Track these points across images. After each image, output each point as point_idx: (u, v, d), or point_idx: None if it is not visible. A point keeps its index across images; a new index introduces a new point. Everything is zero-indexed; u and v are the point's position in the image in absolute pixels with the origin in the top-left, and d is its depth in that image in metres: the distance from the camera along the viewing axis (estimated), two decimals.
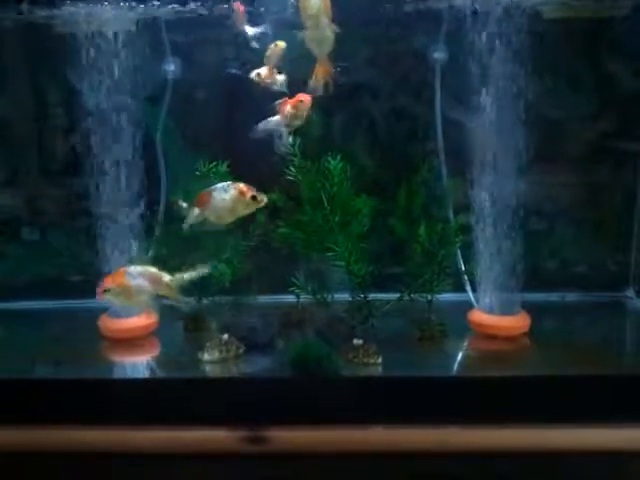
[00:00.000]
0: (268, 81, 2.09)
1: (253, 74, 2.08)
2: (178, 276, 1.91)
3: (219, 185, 1.92)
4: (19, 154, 2.70)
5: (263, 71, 2.09)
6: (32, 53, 2.57)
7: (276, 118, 2.02)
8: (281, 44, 2.04)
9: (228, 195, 1.90)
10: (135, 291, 1.89)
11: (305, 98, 1.97)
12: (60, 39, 2.26)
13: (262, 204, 1.93)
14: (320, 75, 1.98)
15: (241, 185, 1.91)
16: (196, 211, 1.93)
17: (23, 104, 2.65)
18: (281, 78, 2.10)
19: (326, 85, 1.99)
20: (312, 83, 1.99)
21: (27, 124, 2.68)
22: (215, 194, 1.91)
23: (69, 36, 2.21)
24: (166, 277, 1.91)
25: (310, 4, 1.85)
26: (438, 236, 2.21)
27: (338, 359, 2.03)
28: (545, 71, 2.26)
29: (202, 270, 1.96)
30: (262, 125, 2.03)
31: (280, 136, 2.04)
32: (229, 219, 1.95)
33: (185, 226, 1.96)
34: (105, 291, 1.88)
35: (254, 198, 1.90)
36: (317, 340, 2.13)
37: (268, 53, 2.06)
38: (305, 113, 1.99)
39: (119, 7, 2.17)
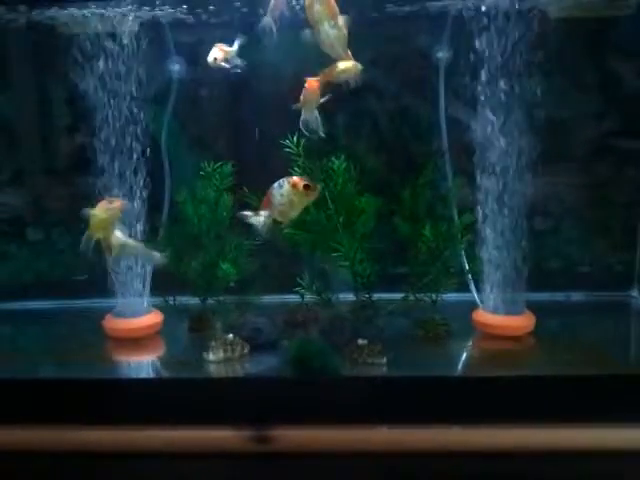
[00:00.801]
0: (224, 64, 2.08)
1: (210, 58, 2.08)
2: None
3: (275, 183, 1.92)
4: (23, 154, 2.71)
5: (219, 55, 2.08)
6: (37, 53, 2.58)
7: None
8: None
9: (284, 190, 1.90)
10: None
11: (310, 84, 1.96)
12: (64, 40, 2.27)
13: (317, 191, 1.92)
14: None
15: (293, 178, 1.91)
16: (263, 215, 1.94)
17: (27, 104, 2.66)
18: (238, 61, 2.11)
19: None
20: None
21: (31, 124, 2.68)
22: (274, 192, 1.91)
23: (73, 37, 2.22)
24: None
25: (313, 10, 1.85)
26: (443, 236, 2.21)
27: (337, 358, 2.03)
28: (550, 70, 2.25)
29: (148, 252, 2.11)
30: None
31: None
32: (293, 214, 1.95)
33: (265, 236, 1.96)
34: None
35: (307, 187, 1.89)
36: (316, 339, 2.13)
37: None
38: (314, 97, 1.98)
39: (124, 8, 2.17)
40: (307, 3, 1.85)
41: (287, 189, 1.89)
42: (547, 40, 2.16)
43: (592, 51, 2.49)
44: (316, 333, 2.25)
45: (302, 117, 2.00)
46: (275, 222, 1.94)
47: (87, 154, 2.28)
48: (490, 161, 2.25)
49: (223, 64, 2.10)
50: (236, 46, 2.15)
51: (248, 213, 1.95)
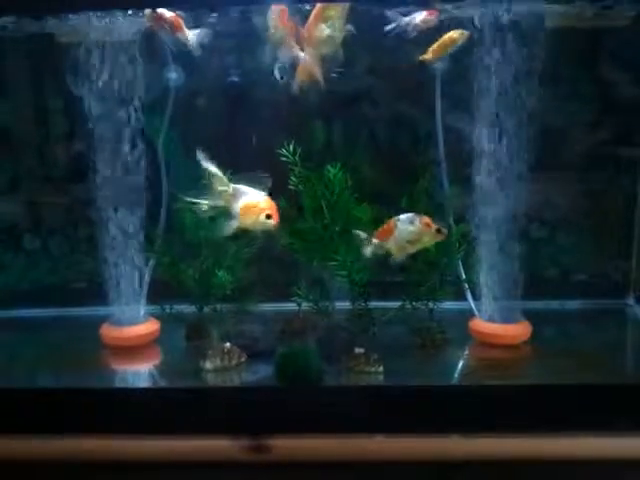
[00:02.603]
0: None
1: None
2: None
3: (402, 217, 1.97)
4: (20, 162, 2.70)
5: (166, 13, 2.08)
6: (33, 61, 2.58)
7: None
8: None
9: (414, 227, 1.94)
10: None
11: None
12: (62, 48, 2.27)
13: (444, 237, 1.98)
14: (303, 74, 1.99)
15: (425, 218, 1.96)
16: (376, 243, 1.98)
17: (24, 112, 2.66)
18: (192, 35, 2.12)
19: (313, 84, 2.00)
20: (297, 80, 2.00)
21: (28, 132, 2.68)
22: (400, 225, 1.95)
23: (70, 45, 2.22)
24: None
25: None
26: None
27: (323, 366, 2.03)
28: (547, 79, 2.26)
29: None
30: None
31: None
32: (410, 251, 1.99)
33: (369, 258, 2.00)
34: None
35: (439, 231, 1.95)
36: (303, 348, 2.13)
37: None
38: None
39: (122, 17, 2.17)
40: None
41: (419, 227, 1.94)
42: (544, 50, 2.18)
43: (589, 61, 2.50)
44: (312, 342, 2.25)
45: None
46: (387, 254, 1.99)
47: (84, 162, 2.27)
48: (486, 169, 2.26)
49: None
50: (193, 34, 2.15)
51: (362, 234, 1.98)
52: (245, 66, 2.43)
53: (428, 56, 2.27)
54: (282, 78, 2.07)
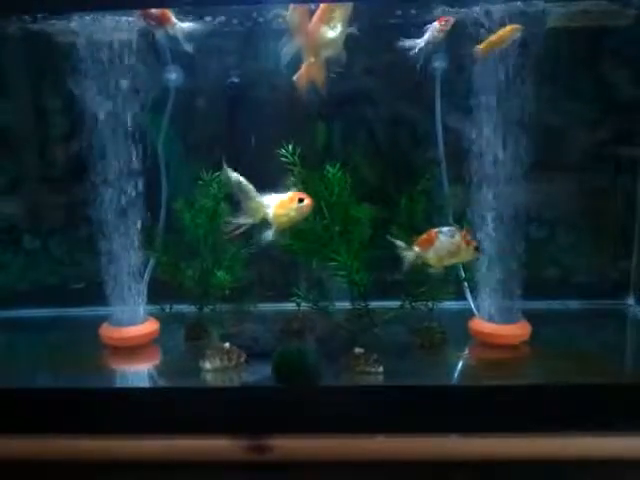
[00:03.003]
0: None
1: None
2: None
3: (444, 229, 2.01)
4: (20, 162, 2.70)
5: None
6: (33, 62, 2.58)
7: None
8: None
9: (455, 241, 2.00)
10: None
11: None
12: (61, 48, 2.27)
13: (479, 255, 2.06)
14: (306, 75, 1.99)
15: (466, 233, 2.03)
16: (415, 251, 2.01)
17: (23, 112, 2.66)
18: (179, 27, 2.10)
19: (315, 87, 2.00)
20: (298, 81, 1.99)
21: (28, 132, 2.68)
22: (441, 237, 1.99)
23: (70, 45, 2.22)
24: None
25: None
26: None
27: (320, 366, 2.03)
28: (547, 79, 2.26)
29: None
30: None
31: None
32: (446, 262, 2.04)
33: (406, 268, 2.03)
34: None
35: (476, 249, 2.02)
36: (299, 348, 2.13)
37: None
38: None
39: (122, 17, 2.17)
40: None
41: (459, 242, 2.00)
42: (544, 49, 2.18)
43: (589, 60, 2.50)
44: (312, 341, 2.26)
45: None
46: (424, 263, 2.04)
47: (83, 162, 2.27)
48: (486, 169, 2.26)
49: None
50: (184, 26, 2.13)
51: (401, 244, 2.01)
52: (248, 65, 2.44)
53: (481, 49, 2.18)
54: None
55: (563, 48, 2.41)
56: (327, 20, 1.93)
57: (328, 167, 2.15)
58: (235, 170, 2.00)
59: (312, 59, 1.95)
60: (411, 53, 2.13)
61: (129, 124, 2.26)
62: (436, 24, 2.15)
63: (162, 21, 2.09)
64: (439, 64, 2.40)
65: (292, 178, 2.13)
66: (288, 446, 1.88)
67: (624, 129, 2.55)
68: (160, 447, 1.91)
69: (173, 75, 2.46)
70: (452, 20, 2.15)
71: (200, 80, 2.49)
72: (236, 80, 2.46)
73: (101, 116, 2.24)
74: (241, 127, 2.53)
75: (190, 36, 2.14)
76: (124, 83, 2.24)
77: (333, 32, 1.94)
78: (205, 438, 1.90)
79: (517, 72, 2.15)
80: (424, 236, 2.02)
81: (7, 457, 1.91)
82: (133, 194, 2.31)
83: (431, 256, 2.02)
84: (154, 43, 2.23)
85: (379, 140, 2.57)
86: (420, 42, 2.14)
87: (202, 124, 2.58)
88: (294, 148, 2.13)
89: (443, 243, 1.99)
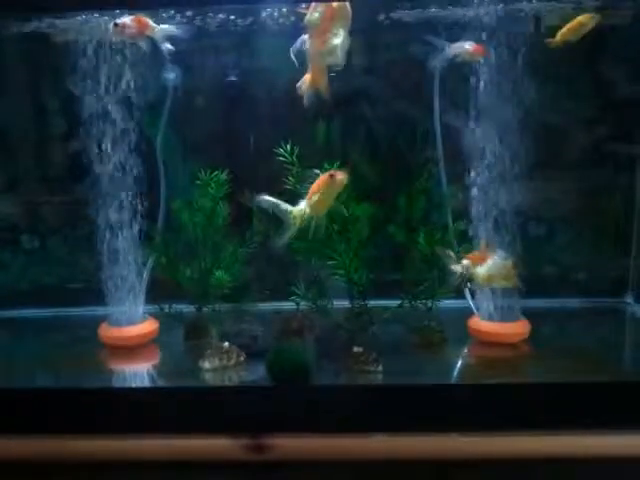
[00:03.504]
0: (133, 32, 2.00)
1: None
2: None
3: (499, 251, 2.06)
4: (18, 162, 2.70)
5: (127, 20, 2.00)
6: (31, 61, 2.58)
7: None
8: None
9: (506, 264, 2.04)
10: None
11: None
12: (59, 48, 2.27)
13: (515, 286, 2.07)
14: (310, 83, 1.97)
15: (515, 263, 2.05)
16: (464, 264, 2.05)
17: (22, 111, 2.66)
18: (158, 29, 2.06)
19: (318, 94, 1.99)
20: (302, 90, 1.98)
21: (27, 132, 2.68)
22: (496, 258, 2.03)
23: (68, 45, 2.22)
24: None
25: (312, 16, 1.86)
26: (438, 243, 2.21)
27: (313, 364, 2.02)
28: (546, 77, 2.26)
29: None
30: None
31: None
32: (490, 283, 2.08)
33: (456, 282, 2.07)
34: None
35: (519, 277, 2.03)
36: (292, 347, 2.13)
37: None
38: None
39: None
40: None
41: (509, 267, 2.04)
42: (544, 47, 2.18)
43: (590, 58, 2.50)
44: (310, 340, 2.25)
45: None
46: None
47: (82, 162, 2.27)
48: (484, 168, 2.26)
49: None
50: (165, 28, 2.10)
51: (451, 255, 2.06)
52: (245, 64, 2.44)
53: (557, 40, 2.19)
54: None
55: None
56: (331, 27, 1.91)
57: (326, 166, 2.15)
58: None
59: (316, 66, 1.93)
60: (435, 65, 2.18)
61: (128, 124, 2.26)
62: (469, 47, 2.16)
63: (140, 30, 2.05)
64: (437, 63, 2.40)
65: (290, 178, 2.12)
66: (287, 445, 1.87)
67: (622, 126, 2.55)
68: (159, 447, 1.91)
69: (171, 75, 2.46)
70: (485, 53, 2.16)
71: (197, 79, 2.49)
72: (234, 79, 2.46)
73: (100, 116, 2.24)
74: (239, 126, 2.52)
75: (181, 37, 2.12)
76: (122, 83, 2.24)
77: (337, 39, 1.91)
78: (204, 438, 1.89)
79: (519, 70, 2.15)
80: (478, 253, 2.05)
81: (5, 457, 1.90)
82: (132, 194, 2.31)
83: (480, 273, 2.03)
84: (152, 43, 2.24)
85: (378, 139, 2.58)
86: (446, 54, 2.18)
87: (199, 123, 2.57)
88: (292, 148, 2.13)
89: (496, 263, 2.00)
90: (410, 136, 2.51)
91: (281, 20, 2.21)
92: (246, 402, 1.97)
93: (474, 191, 2.30)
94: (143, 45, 2.09)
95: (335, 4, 1.86)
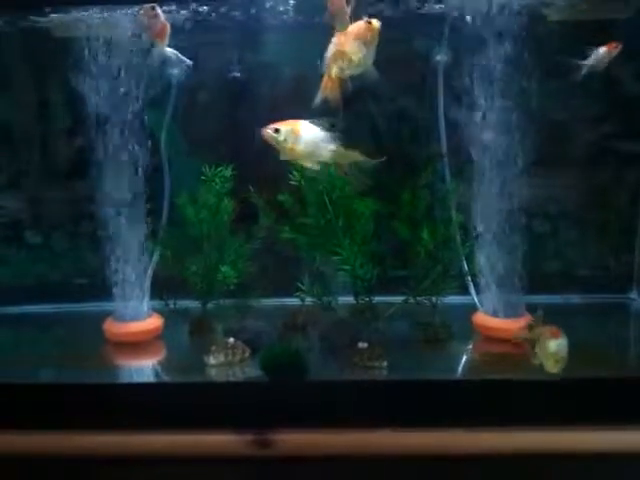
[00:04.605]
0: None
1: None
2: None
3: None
4: (22, 157, 2.71)
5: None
6: (35, 57, 2.58)
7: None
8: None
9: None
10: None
11: None
12: (63, 43, 2.27)
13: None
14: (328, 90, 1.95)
15: None
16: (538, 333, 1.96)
17: (26, 107, 2.66)
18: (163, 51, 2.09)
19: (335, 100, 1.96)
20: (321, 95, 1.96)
21: (30, 127, 2.68)
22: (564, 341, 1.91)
23: (72, 40, 2.22)
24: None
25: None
26: (442, 238, 2.21)
27: (307, 363, 2.02)
28: (548, 73, 2.26)
29: None
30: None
31: None
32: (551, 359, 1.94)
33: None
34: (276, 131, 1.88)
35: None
36: (286, 344, 2.14)
37: None
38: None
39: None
40: None
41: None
42: (545, 42, 2.17)
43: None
44: (316, 336, 2.26)
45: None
46: None
47: (86, 157, 2.28)
48: (488, 163, 2.26)
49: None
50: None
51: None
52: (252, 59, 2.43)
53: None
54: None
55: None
56: (354, 45, 1.88)
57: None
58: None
59: (333, 75, 1.91)
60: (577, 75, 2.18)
61: (133, 120, 2.26)
62: (605, 48, 2.16)
63: (159, 33, 2.08)
64: (441, 58, 2.39)
65: (295, 172, 2.12)
66: (292, 441, 1.87)
67: (628, 124, 2.55)
68: (164, 442, 1.91)
69: (175, 70, 2.46)
70: (620, 46, 2.15)
71: (202, 75, 2.48)
72: (237, 74, 2.46)
73: (105, 112, 2.24)
74: (244, 121, 2.52)
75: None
76: (127, 79, 2.24)
77: (365, 51, 1.88)
78: (209, 433, 1.90)
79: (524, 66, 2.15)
80: (550, 328, 1.96)
81: (11, 453, 1.91)
82: (137, 189, 2.31)
83: (551, 348, 1.91)
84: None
85: (382, 133, 2.57)
86: (588, 62, 2.17)
87: (204, 119, 2.58)
88: None
89: (563, 345, 1.94)
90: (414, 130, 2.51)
91: (285, 16, 2.21)
92: (251, 398, 1.97)
93: (478, 185, 2.30)
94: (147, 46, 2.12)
95: (364, 26, 1.83)
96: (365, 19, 1.82)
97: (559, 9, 2.23)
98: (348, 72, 1.88)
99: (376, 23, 1.82)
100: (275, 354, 2.03)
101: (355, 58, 1.85)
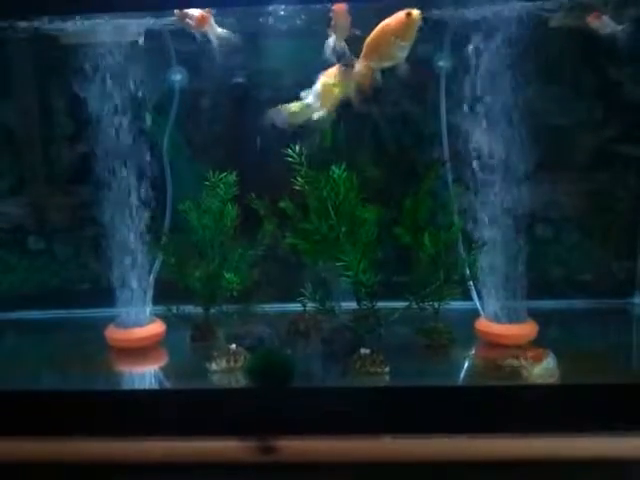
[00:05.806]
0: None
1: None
2: None
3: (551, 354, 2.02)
4: (25, 163, 2.71)
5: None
6: (38, 63, 2.58)
7: None
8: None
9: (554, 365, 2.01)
10: None
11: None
12: (66, 50, 2.27)
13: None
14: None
15: None
16: (526, 362, 2.01)
17: (28, 113, 2.66)
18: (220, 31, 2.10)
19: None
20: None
21: (33, 133, 2.68)
22: (551, 362, 2.01)
23: (75, 47, 2.22)
24: None
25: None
26: (444, 244, 2.21)
27: (294, 368, 2.02)
28: (550, 78, 2.26)
29: None
30: None
31: None
32: (533, 378, 2.02)
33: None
34: None
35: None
36: (274, 350, 2.15)
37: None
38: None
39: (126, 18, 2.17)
40: None
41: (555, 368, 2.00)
42: (546, 48, 2.18)
43: (592, 59, 2.50)
44: (318, 342, 2.26)
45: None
46: None
47: (88, 164, 2.28)
48: (490, 169, 2.26)
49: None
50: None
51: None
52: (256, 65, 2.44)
53: None
54: None
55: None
56: (402, 34, 1.83)
57: (334, 168, 2.15)
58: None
59: (366, 64, 1.89)
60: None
61: (135, 126, 2.27)
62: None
63: (199, 24, 2.10)
64: (443, 63, 2.40)
65: (298, 178, 2.12)
66: (295, 447, 1.87)
67: (629, 129, 2.55)
68: (166, 449, 1.91)
69: (178, 76, 2.46)
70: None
71: (205, 81, 2.49)
72: (241, 80, 2.47)
73: (107, 118, 2.25)
74: (247, 127, 2.52)
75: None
76: (130, 85, 2.25)
77: (403, 46, 1.86)
78: (212, 439, 1.90)
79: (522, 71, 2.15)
80: (534, 350, 2.03)
81: (12, 459, 1.91)
82: (139, 195, 2.31)
83: (534, 372, 2.00)
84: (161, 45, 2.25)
85: (385, 140, 2.58)
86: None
87: (207, 125, 2.58)
88: (300, 149, 2.13)
89: (549, 368, 1.99)
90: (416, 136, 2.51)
91: (292, 21, 2.21)
92: (253, 404, 1.97)
93: (479, 192, 2.30)
94: (198, 37, 2.13)
95: (403, 17, 1.81)
96: (405, 10, 1.79)
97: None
98: (384, 64, 1.87)
99: (416, 14, 1.78)
100: (258, 361, 2.05)
101: (394, 51, 1.83)
